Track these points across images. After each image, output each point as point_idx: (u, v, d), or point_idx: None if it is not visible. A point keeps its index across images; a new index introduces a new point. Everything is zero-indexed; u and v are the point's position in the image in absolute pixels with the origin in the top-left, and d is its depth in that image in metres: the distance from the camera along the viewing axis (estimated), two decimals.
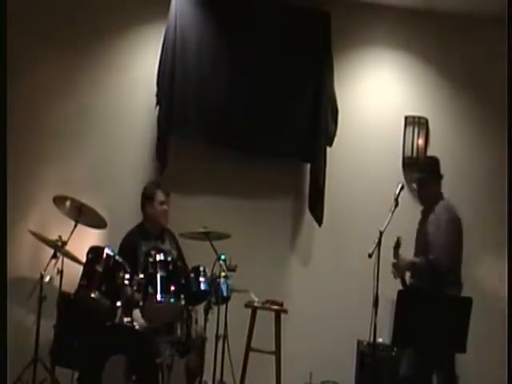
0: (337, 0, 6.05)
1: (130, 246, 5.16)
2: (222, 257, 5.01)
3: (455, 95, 6.27)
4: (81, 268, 4.86)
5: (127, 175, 5.92)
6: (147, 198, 5.32)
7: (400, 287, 4.76)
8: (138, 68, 6.01)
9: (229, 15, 5.92)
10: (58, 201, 5.10)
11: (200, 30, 5.86)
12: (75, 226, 5.08)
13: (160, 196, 5.29)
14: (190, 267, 5.08)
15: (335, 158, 6.05)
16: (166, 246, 5.28)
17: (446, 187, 6.12)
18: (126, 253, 5.01)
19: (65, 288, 5.01)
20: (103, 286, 4.69)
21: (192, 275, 4.92)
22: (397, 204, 4.80)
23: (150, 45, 5.95)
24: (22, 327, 5.50)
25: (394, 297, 4.39)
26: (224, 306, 5.02)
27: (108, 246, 4.89)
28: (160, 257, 4.85)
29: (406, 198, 5.36)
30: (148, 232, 5.28)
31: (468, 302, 3.98)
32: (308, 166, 6.03)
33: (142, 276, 4.75)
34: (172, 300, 4.74)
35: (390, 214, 4.64)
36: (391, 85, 6.31)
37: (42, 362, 5.00)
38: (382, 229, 4.59)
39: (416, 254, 4.98)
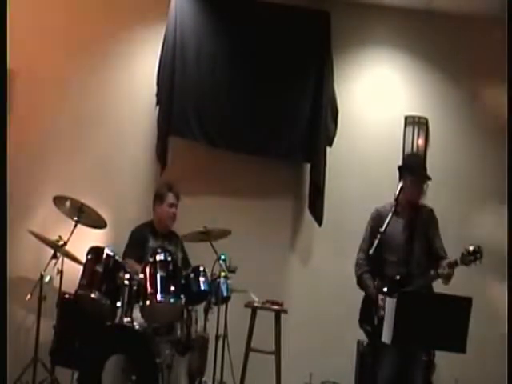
0: (337, 0, 6.05)
1: (140, 235, 5.22)
2: (222, 257, 5.02)
3: (455, 95, 6.27)
4: (81, 268, 4.86)
5: (127, 175, 5.92)
6: (157, 198, 5.34)
7: None
8: (138, 68, 6.02)
9: (229, 15, 5.92)
10: (58, 201, 5.10)
11: (200, 30, 5.86)
12: (75, 226, 5.08)
13: (170, 198, 5.31)
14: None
15: (335, 157, 6.05)
16: (172, 247, 5.30)
17: (446, 187, 6.14)
18: (135, 240, 5.13)
19: (65, 288, 5.02)
20: (103, 286, 4.70)
21: (192, 275, 4.92)
22: (397, 204, 4.79)
23: (149, 45, 5.95)
24: (22, 327, 5.51)
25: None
26: (224, 306, 5.03)
27: (108, 246, 4.89)
28: (160, 257, 4.86)
29: None
30: (156, 230, 5.30)
31: (468, 302, 3.98)
32: (308, 165, 6.03)
33: (141, 276, 4.76)
34: (172, 300, 4.74)
35: (390, 215, 4.63)
36: (391, 85, 6.31)
37: (41, 362, 5.01)
38: (381, 229, 4.58)
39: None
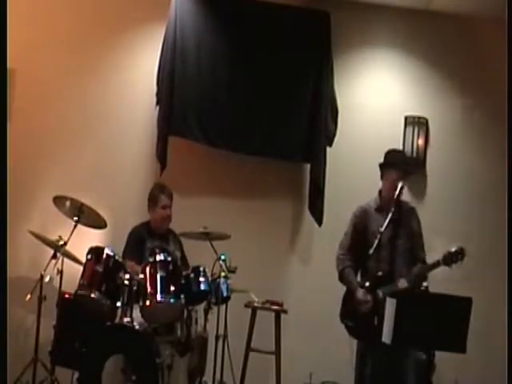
0: (337, 0, 6.05)
1: (137, 235, 5.20)
2: (222, 257, 5.02)
3: (455, 95, 6.27)
4: (81, 268, 4.86)
5: (127, 175, 5.92)
6: (151, 201, 5.32)
7: None
8: (138, 68, 6.02)
9: (228, 15, 5.93)
10: (58, 201, 5.10)
11: (200, 30, 5.86)
12: (75, 226, 5.07)
13: (163, 200, 5.29)
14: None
15: (335, 157, 6.05)
16: (171, 247, 5.30)
17: (446, 187, 6.15)
18: (133, 240, 5.12)
19: (65, 288, 5.02)
20: (103, 286, 4.69)
21: (192, 275, 4.92)
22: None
23: (150, 45, 5.95)
24: (22, 327, 5.51)
25: None
26: (224, 305, 5.03)
27: (108, 246, 4.89)
28: (160, 257, 4.86)
29: (406, 197, 5.35)
30: (153, 231, 5.30)
31: (468, 302, 3.98)
32: (308, 165, 6.03)
33: (141, 276, 4.76)
34: (172, 300, 4.74)
35: (390, 215, 4.63)
36: (391, 85, 6.31)
37: (41, 362, 5.01)
38: (381, 229, 4.58)
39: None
